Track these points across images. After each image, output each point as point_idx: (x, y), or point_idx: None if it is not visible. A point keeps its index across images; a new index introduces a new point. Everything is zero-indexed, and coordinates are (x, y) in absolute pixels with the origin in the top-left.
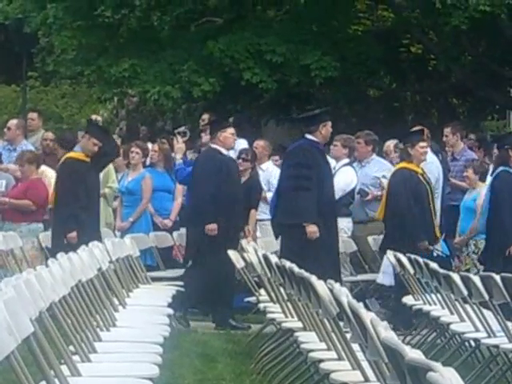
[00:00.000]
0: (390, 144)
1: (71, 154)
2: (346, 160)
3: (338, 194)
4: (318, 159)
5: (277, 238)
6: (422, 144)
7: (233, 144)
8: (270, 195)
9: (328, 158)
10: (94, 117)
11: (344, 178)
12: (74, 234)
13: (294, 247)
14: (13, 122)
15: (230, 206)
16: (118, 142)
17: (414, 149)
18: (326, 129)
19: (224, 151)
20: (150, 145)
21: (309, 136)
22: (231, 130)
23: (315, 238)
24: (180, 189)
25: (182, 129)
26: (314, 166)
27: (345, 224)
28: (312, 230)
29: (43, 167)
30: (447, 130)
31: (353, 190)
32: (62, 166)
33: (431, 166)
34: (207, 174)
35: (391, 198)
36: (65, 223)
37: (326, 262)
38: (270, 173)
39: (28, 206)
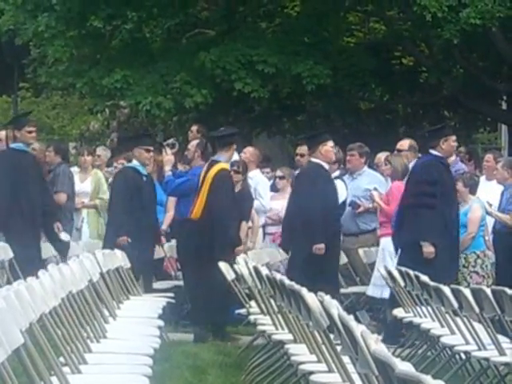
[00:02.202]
0: (381, 156)
1: (223, 165)
2: (337, 173)
3: None
4: (442, 175)
5: (396, 252)
6: None
7: (333, 157)
8: (256, 203)
9: None
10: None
11: None
12: (241, 248)
13: (413, 264)
14: (3, 133)
15: (337, 223)
16: (109, 153)
17: None
18: (448, 143)
19: (325, 165)
20: None
21: (432, 151)
22: (331, 143)
23: (431, 258)
24: (172, 201)
25: (170, 141)
26: (438, 182)
27: None
28: (429, 250)
29: None
30: None
31: (343, 204)
32: (215, 177)
33: None
34: (315, 190)
35: None
36: (227, 237)
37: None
38: (256, 181)
39: None
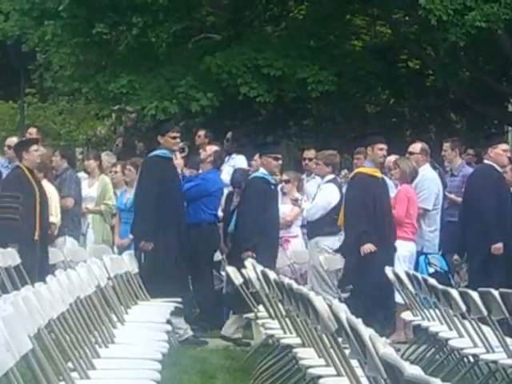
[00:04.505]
0: (391, 159)
1: (361, 169)
2: (331, 176)
3: (319, 213)
4: None
5: None
6: None
7: (504, 161)
8: None
9: (314, 175)
10: None
11: (324, 196)
12: (369, 246)
13: None
14: (13, 140)
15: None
16: (112, 158)
17: None
18: None
19: (497, 167)
20: None
21: None
22: (504, 146)
23: None
24: None
25: (180, 144)
26: None
27: (326, 243)
28: None
29: (44, 182)
30: (446, 145)
31: (336, 207)
32: (352, 181)
33: (430, 182)
34: (488, 191)
35: None
36: (358, 240)
37: None
38: None
39: None
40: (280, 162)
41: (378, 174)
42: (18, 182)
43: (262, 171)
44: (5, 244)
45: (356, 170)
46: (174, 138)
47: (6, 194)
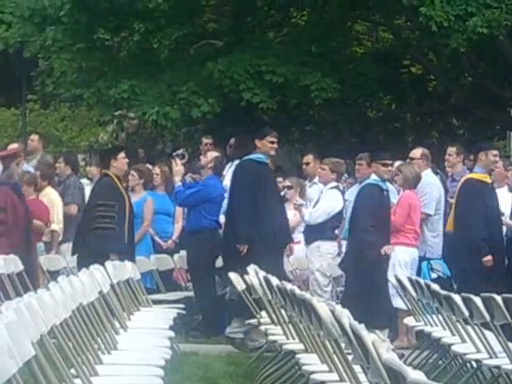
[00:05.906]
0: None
1: (472, 175)
2: (334, 183)
3: (322, 217)
4: None
5: None
6: None
7: None
8: None
9: (315, 181)
10: None
11: (329, 201)
12: (489, 258)
13: None
14: (13, 147)
15: None
16: None
17: None
18: None
19: None
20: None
21: None
22: None
23: None
24: (180, 212)
25: (180, 151)
26: None
27: (329, 248)
28: None
29: (48, 188)
30: (452, 150)
31: (338, 214)
32: (464, 187)
33: (432, 187)
34: None
35: None
36: (475, 246)
37: None
38: None
39: (40, 227)
40: (389, 168)
41: (488, 179)
42: (111, 191)
43: (374, 177)
44: (107, 255)
45: (467, 176)
46: (272, 142)
47: (100, 202)
